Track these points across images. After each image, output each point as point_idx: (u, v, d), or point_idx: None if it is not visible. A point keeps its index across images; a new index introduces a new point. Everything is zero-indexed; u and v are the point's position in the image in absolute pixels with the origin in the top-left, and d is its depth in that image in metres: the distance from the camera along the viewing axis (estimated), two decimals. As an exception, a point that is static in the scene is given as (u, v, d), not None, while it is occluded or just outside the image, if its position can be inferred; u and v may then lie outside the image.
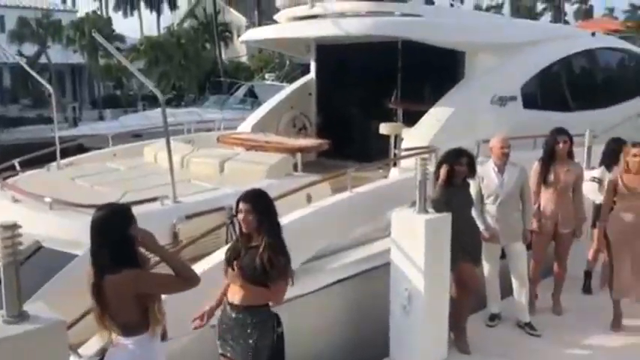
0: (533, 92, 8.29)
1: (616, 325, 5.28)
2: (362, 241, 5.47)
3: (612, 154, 5.93)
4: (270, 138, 7.78)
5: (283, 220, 4.42)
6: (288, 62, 25.17)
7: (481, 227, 5.11)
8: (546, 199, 5.49)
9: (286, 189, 4.93)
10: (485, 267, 5.24)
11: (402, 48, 8.16)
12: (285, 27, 8.47)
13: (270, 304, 3.39)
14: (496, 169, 5.20)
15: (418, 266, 4.39)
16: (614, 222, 5.16)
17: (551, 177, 5.45)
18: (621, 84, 10.73)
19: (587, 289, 6.15)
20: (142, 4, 49.85)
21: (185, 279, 2.96)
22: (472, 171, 4.96)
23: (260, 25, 23.21)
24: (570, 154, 5.55)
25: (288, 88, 10.10)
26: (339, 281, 4.95)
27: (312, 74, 9.61)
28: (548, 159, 5.51)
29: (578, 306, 5.79)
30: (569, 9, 58.41)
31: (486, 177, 5.21)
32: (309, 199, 5.33)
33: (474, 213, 5.09)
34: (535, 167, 5.55)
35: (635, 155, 5.04)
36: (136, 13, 49.20)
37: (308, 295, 4.61)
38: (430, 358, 4.62)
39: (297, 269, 4.28)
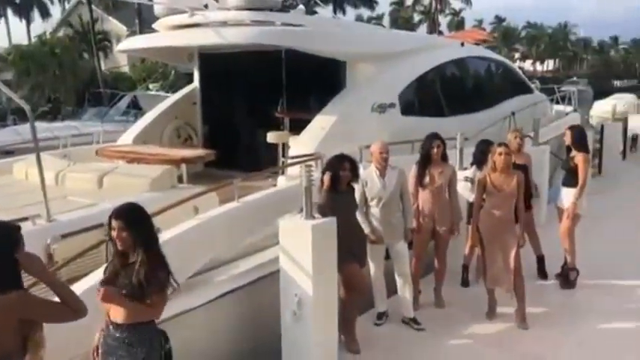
0: (411, 99, 8.75)
1: (491, 313, 5.69)
2: (252, 251, 5.45)
3: (482, 155, 6.38)
4: (152, 149, 7.55)
5: (168, 233, 4.34)
6: (173, 72, 24.51)
7: (366, 230, 5.29)
8: (424, 199, 5.81)
9: (171, 201, 4.80)
10: (371, 267, 5.43)
11: (285, 57, 8.27)
12: (164, 35, 8.28)
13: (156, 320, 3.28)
14: (378, 173, 5.41)
15: (307, 271, 4.45)
16: (484, 218, 5.56)
17: (427, 179, 5.79)
18: (489, 90, 11.64)
19: (465, 282, 6.57)
20: (10, 12, 46.42)
21: (74, 310, 2.79)
22: (355, 176, 5.13)
23: (142, 33, 22.43)
24: (444, 157, 5.91)
25: (172, 98, 9.87)
26: (229, 292, 4.88)
27: (195, 83, 9.46)
28: (424, 162, 5.84)
29: (457, 298, 6.16)
30: (443, 20, 62.49)
31: (369, 181, 5.41)
32: (196, 211, 5.23)
33: (358, 216, 5.26)
34: (413, 170, 5.86)
35: (500, 154, 5.47)
36: (2, 20, 45.73)
37: (198, 309, 4.51)
38: (321, 360, 4.69)
39: (184, 283, 4.19)
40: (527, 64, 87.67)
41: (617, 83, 73.11)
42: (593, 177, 12.04)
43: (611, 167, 13.14)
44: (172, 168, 6.27)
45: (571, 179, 6.41)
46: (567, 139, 6.54)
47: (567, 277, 6.45)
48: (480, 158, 6.43)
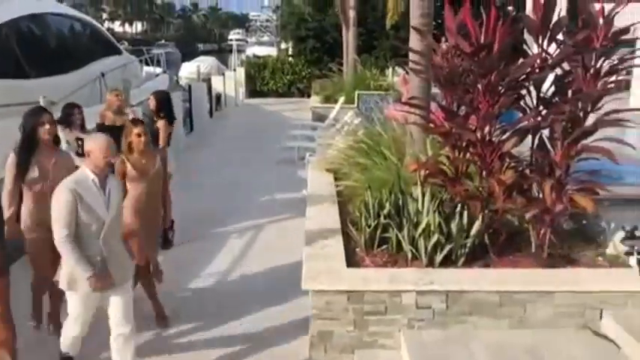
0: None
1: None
2: None
3: (67, 117, 5.89)
4: None
5: None
6: None
7: (87, 274, 3.50)
8: (31, 201, 4.31)
9: None
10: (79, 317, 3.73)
11: None
12: None
13: None
14: (97, 183, 3.60)
15: None
16: (139, 208, 4.61)
17: (36, 172, 4.30)
18: (76, 50, 10.99)
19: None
20: None
21: None
22: None
23: None
24: (56, 140, 4.86)
25: None
26: None
27: None
28: (29, 148, 4.30)
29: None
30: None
31: (86, 195, 3.54)
32: None
33: (70, 253, 3.46)
34: (10, 159, 4.31)
35: (139, 135, 4.60)
36: None
37: None
38: None
39: None
40: (117, 26, 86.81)
41: (200, 46, 79.56)
42: (187, 135, 12.87)
43: (200, 125, 14.19)
44: None
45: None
46: (151, 105, 6.52)
47: (166, 237, 6.29)
48: (65, 121, 5.93)
